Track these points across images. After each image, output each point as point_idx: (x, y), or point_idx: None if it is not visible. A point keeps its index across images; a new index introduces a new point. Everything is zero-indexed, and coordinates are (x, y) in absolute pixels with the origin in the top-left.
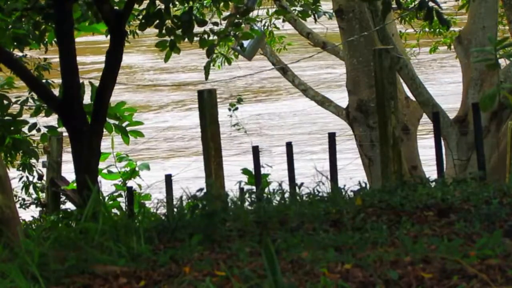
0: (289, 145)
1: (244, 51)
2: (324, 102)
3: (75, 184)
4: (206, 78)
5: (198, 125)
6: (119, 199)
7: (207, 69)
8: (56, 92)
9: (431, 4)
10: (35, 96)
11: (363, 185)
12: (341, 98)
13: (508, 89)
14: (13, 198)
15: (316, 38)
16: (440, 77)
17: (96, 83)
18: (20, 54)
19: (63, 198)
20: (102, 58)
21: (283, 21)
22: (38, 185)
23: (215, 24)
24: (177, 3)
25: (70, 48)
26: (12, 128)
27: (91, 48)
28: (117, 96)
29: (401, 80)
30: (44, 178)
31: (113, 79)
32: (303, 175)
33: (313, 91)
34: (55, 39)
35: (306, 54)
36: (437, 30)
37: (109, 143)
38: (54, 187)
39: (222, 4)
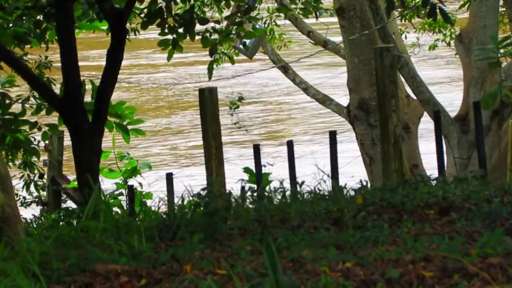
0: (290, 144)
1: (247, 50)
2: (325, 101)
3: (76, 183)
4: (210, 78)
5: None
6: (120, 197)
7: (210, 70)
8: (57, 90)
9: (434, 1)
10: (37, 95)
11: (364, 183)
12: None
13: (509, 88)
14: (14, 196)
15: (317, 37)
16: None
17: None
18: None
19: (64, 196)
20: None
21: (285, 18)
22: (39, 183)
23: (217, 22)
24: (178, 1)
25: (71, 46)
26: (13, 126)
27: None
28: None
29: (402, 79)
30: (45, 176)
31: (114, 78)
32: (304, 173)
33: (314, 89)
34: (56, 37)
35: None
36: (437, 28)
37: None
38: (55, 186)
39: (223, 2)
